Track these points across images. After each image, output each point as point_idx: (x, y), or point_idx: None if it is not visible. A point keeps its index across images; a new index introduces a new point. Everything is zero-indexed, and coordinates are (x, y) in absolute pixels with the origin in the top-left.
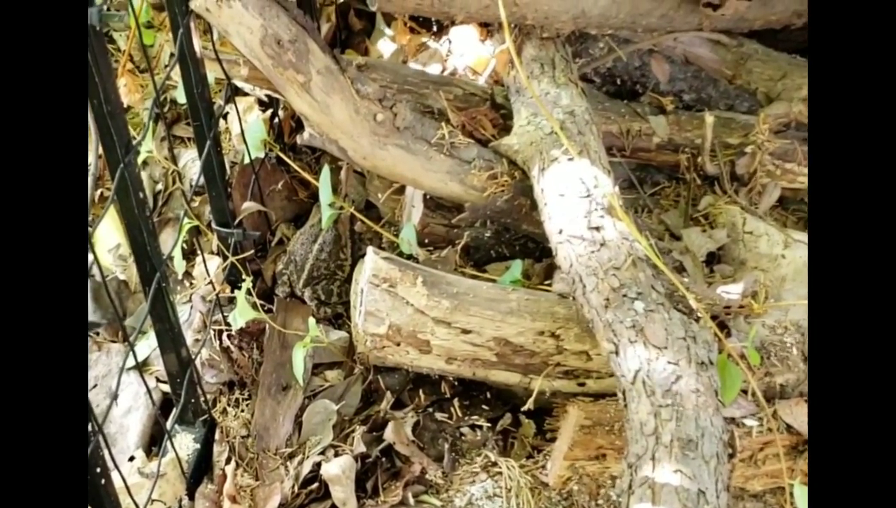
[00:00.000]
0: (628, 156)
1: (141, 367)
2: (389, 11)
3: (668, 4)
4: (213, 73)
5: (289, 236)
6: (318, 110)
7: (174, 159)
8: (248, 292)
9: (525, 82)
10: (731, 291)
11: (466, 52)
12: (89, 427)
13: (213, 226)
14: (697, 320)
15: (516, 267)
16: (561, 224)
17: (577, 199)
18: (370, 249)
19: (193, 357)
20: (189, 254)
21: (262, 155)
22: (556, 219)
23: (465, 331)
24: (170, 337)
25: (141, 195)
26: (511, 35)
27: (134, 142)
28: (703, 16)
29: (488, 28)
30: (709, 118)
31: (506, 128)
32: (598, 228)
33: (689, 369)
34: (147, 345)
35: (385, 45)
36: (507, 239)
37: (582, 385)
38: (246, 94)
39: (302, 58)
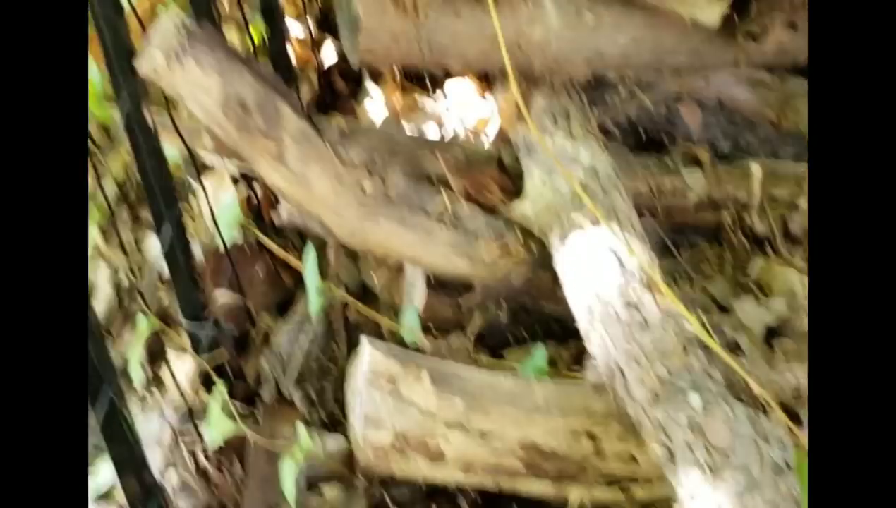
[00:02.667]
0: (661, 217)
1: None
2: (374, 65)
3: (698, 38)
4: (173, 146)
5: (273, 328)
6: (294, 183)
7: (124, 250)
8: (225, 399)
9: (536, 136)
10: (800, 373)
11: (465, 110)
12: None
13: (183, 321)
14: (765, 412)
15: (539, 353)
16: (590, 302)
17: (608, 272)
18: (365, 340)
19: (160, 482)
20: (159, 352)
21: (238, 237)
22: (585, 297)
23: (484, 435)
24: (129, 462)
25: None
26: (517, 83)
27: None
28: (739, 49)
29: (488, 80)
30: (756, 170)
31: (515, 192)
32: (636, 306)
33: (762, 475)
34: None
35: (375, 108)
36: (525, 320)
37: (626, 492)
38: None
39: (272, 122)
